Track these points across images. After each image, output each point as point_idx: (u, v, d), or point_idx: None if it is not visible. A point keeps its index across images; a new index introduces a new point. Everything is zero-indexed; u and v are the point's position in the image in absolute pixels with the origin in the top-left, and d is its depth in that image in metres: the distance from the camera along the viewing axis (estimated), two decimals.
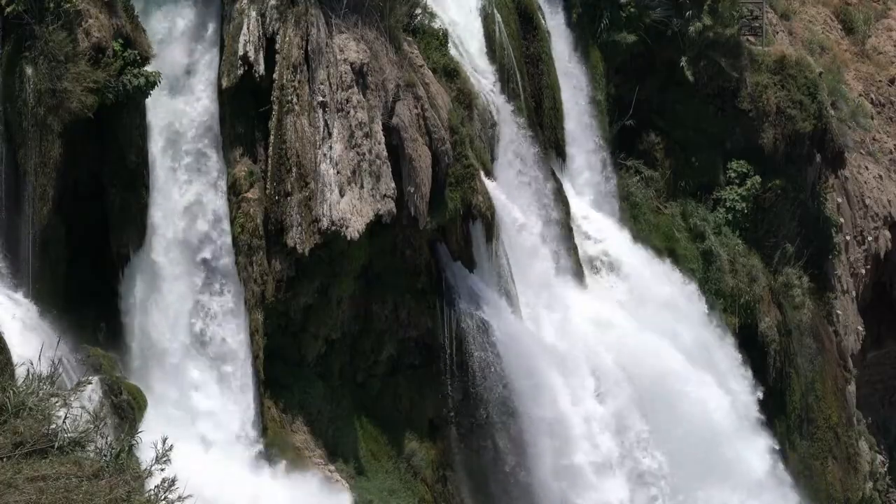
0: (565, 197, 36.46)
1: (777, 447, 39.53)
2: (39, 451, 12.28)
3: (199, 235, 27.96)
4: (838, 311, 45.72)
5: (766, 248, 43.02)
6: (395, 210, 29.41)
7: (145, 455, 13.03)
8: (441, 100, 31.27)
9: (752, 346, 41.06)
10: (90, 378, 23.08)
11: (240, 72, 28.05)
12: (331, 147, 28.79)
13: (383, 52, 30.04)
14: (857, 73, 51.63)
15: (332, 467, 29.47)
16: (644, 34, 40.43)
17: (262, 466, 28.03)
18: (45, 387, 12.54)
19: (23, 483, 11.78)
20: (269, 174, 28.47)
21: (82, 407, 13.43)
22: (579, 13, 39.48)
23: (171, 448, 12.31)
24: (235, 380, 28.06)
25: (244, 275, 28.24)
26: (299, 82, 28.64)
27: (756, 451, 38.65)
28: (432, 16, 33.15)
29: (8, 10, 24.62)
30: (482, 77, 34.81)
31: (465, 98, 33.31)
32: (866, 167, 49.05)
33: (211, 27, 28.28)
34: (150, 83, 25.90)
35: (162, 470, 12.28)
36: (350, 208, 28.68)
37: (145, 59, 26.01)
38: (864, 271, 47.89)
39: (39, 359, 13.99)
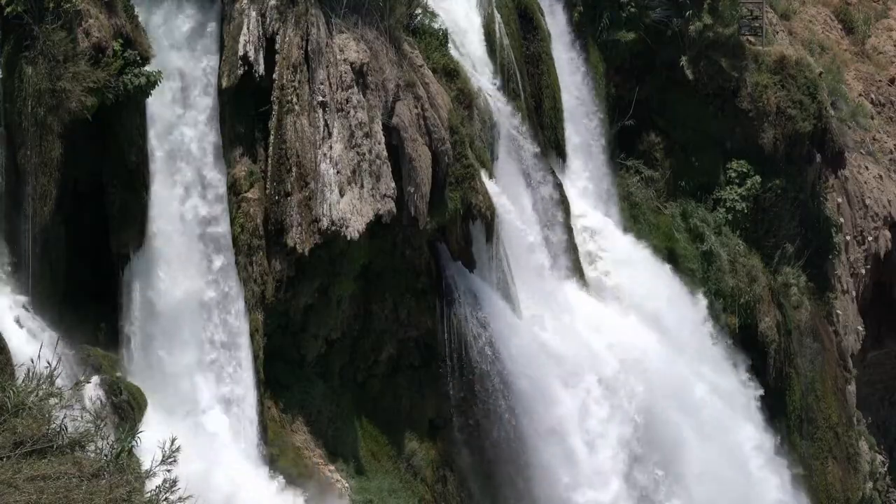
0: (565, 197, 36.45)
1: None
2: (39, 450, 12.26)
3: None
4: (838, 311, 45.72)
5: (766, 248, 43.02)
6: (395, 210, 29.40)
7: (146, 455, 13.01)
8: (441, 100, 31.25)
9: (752, 346, 41.06)
10: (89, 378, 23.08)
11: (240, 72, 28.04)
12: (331, 147, 28.78)
13: (383, 52, 30.02)
14: (857, 73, 51.65)
15: (332, 467, 29.46)
16: (644, 34, 40.44)
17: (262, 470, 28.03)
18: (44, 387, 12.51)
19: (22, 483, 11.76)
20: (269, 174, 28.46)
21: (83, 407, 13.41)
22: (579, 13, 39.49)
23: (178, 449, 12.27)
24: (236, 380, 28.03)
25: (244, 275, 28.22)
26: (299, 82, 28.62)
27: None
28: (432, 16, 33.13)
29: (8, 10, 24.59)
30: (482, 77, 34.80)
31: (465, 98, 33.29)
32: (866, 167, 49.04)
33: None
34: (151, 83, 25.87)
35: (168, 471, 12.24)
36: (350, 208, 28.66)
37: (145, 59, 25.99)
38: (864, 271, 47.88)
39: (39, 358, 13.95)
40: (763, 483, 38.52)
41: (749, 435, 38.69)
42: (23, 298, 24.82)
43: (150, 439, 14.03)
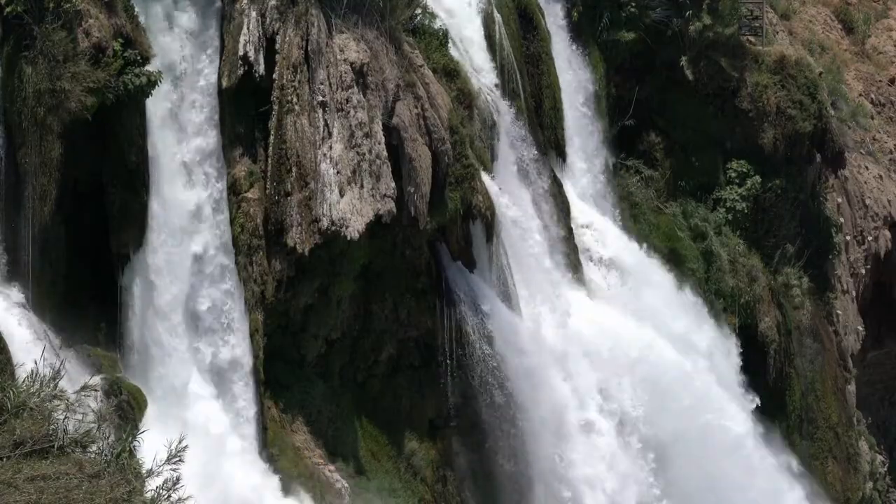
0: (565, 197, 36.44)
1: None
2: (40, 451, 12.25)
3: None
4: (838, 311, 45.70)
5: (766, 248, 43.01)
6: (395, 210, 29.39)
7: (146, 455, 12.98)
8: (441, 100, 31.26)
9: (752, 346, 41.04)
10: (96, 385, 23.08)
11: (240, 72, 28.03)
12: (331, 147, 28.77)
13: (383, 52, 30.02)
14: (857, 73, 51.64)
15: (332, 467, 29.46)
16: (644, 34, 40.44)
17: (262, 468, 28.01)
18: (47, 388, 12.50)
19: (23, 483, 11.75)
20: (269, 174, 28.45)
21: (88, 406, 13.39)
22: (579, 13, 39.47)
23: (185, 448, 12.24)
24: (236, 380, 28.02)
25: (244, 275, 28.22)
26: (299, 82, 28.62)
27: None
28: (432, 16, 33.14)
29: (8, 10, 24.59)
30: (482, 77, 34.79)
31: (465, 98, 33.29)
32: (866, 167, 49.03)
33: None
34: (152, 82, 25.86)
35: (174, 470, 12.22)
36: (350, 208, 28.66)
37: (146, 59, 25.97)
38: (864, 271, 47.86)
39: (43, 359, 13.93)
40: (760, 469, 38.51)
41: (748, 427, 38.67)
42: (23, 298, 24.80)
43: (151, 439, 14.02)
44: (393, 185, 29.36)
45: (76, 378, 23.56)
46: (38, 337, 23.85)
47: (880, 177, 49.39)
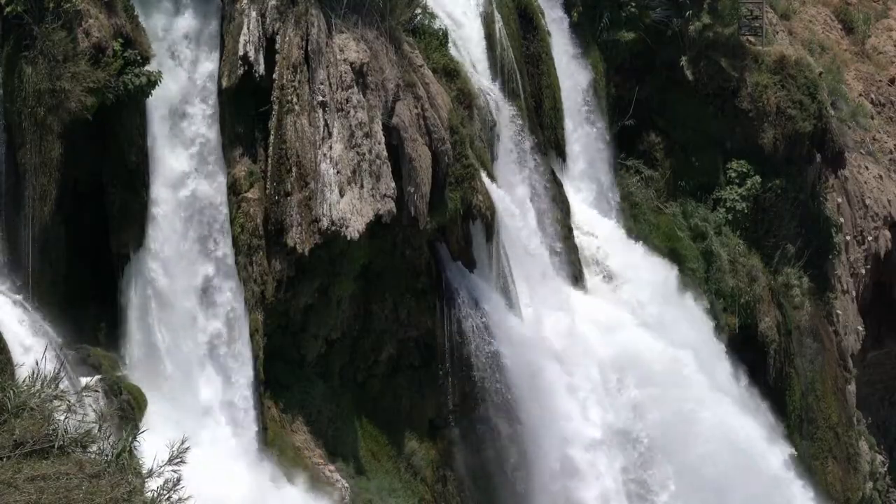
0: (565, 197, 36.45)
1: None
2: (40, 451, 12.25)
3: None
4: (838, 311, 45.72)
5: (766, 248, 43.03)
6: (395, 210, 29.39)
7: (146, 455, 12.98)
8: (441, 100, 31.25)
9: (752, 346, 41.05)
10: (96, 385, 23.06)
11: (240, 72, 28.02)
12: (331, 147, 28.77)
13: (383, 52, 30.02)
14: (857, 73, 51.66)
15: (332, 467, 29.46)
16: (644, 34, 40.46)
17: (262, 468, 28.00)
18: (47, 389, 12.49)
19: (23, 483, 11.75)
20: (269, 174, 28.45)
21: (89, 406, 13.39)
22: (579, 13, 39.47)
23: (187, 449, 12.24)
24: (236, 380, 28.01)
25: (244, 275, 28.21)
26: (299, 82, 28.62)
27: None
28: (432, 16, 33.14)
29: (8, 10, 24.59)
30: (482, 77, 34.80)
31: (465, 98, 33.29)
32: (866, 167, 49.05)
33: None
34: (152, 83, 25.86)
35: (175, 471, 12.21)
36: (350, 208, 28.66)
37: (146, 59, 25.97)
38: (864, 271, 47.88)
39: (45, 359, 13.94)
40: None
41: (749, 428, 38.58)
42: (23, 298, 24.80)
43: (151, 439, 14.01)
44: (393, 185, 29.36)
45: (76, 378, 23.58)
46: (38, 337, 23.84)
47: (880, 177, 49.41)
